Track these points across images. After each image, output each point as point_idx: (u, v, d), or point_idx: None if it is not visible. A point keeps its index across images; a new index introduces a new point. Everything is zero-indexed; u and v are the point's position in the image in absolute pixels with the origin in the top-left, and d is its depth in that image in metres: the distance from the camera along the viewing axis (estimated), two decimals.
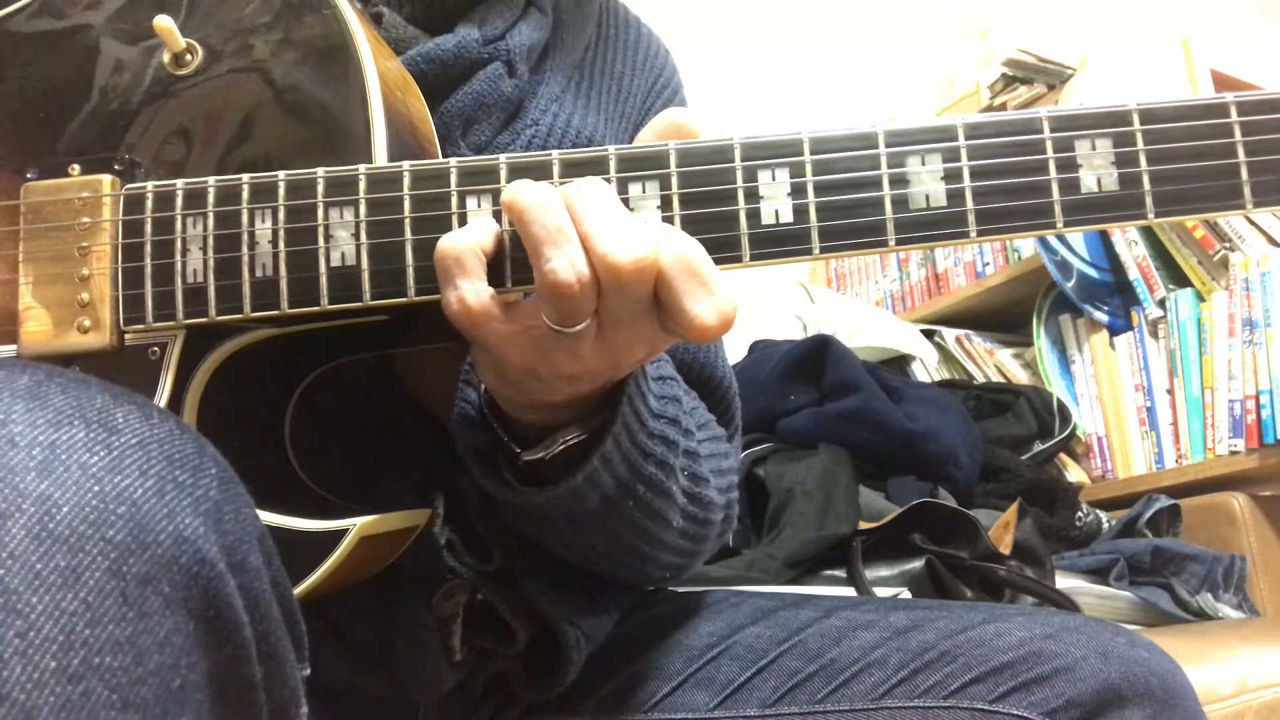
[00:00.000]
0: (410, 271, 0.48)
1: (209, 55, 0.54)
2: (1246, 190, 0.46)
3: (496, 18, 0.66)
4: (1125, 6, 2.24)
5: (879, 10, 2.41)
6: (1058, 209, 0.46)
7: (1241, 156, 0.46)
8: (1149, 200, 0.46)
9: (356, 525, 0.49)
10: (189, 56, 0.54)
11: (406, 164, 0.48)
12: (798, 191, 0.47)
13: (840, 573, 1.21)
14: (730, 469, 0.69)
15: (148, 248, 0.50)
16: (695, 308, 0.44)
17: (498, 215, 0.48)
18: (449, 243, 0.46)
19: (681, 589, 0.77)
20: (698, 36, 2.00)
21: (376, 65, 0.52)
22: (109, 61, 0.55)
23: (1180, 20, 2.12)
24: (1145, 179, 0.46)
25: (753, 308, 1.84)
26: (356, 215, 0.48)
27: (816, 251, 0.46)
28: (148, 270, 0.49)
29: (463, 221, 0.48)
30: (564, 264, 0.43)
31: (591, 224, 0.44)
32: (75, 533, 0.30)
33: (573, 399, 0.50)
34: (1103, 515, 1.60)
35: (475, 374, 0.55)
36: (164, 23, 0.53)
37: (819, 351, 1.51)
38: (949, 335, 2.01)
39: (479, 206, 0.48)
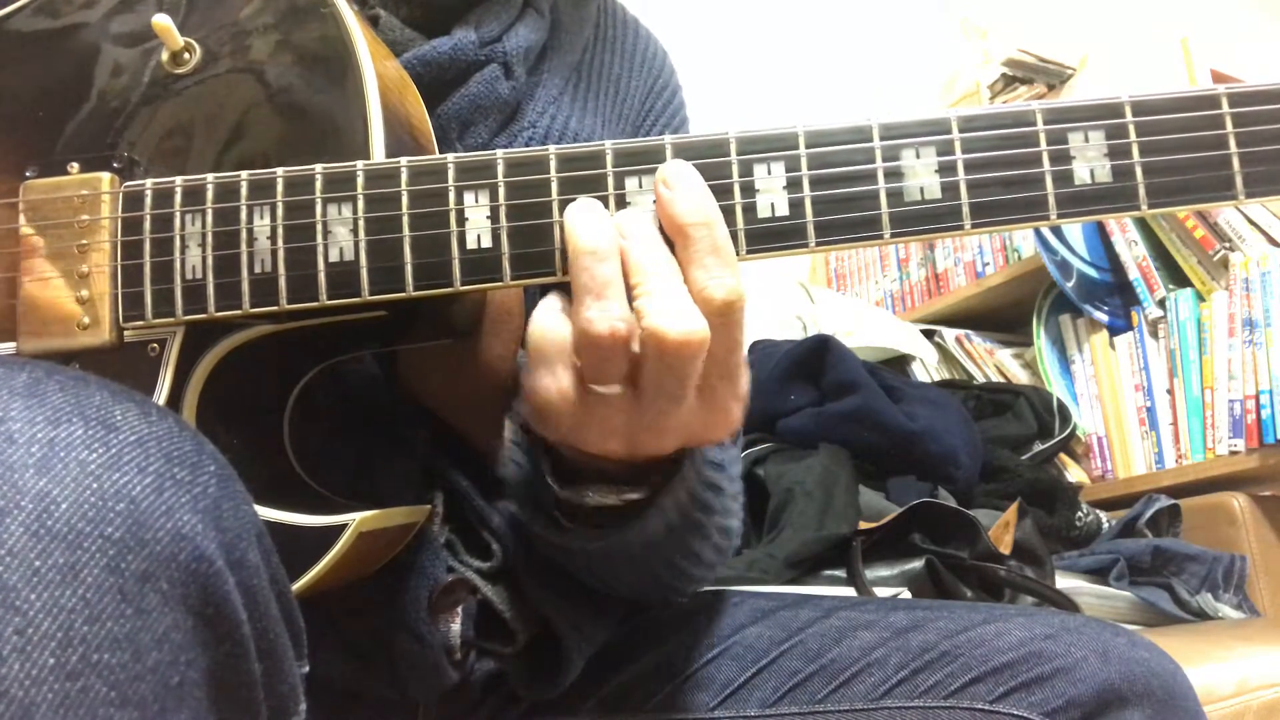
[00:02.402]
0: (409, 267, 0.48)
1: (207, 54, 0.54)
2: (1238, 181, 0.46)
3: (493, 20, 0.66)
4: (1125, 6, 2.24)
5: (879, 10, 2.41)
6: (1051, 201, 0.46)
7: (1233, 147, 0.46)
8: (1142, 191, 0.46)
9: (355, 520, 0.49)
10: (187, 55, 0.54)
11: (404, 160, 0.48)
12: (793, 185, 0.47)
13: (840, 573, 1.21)
14: (739, 477, 0.69)
15: (147, 245, 0.50)
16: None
17: (495, 211, 0.48)
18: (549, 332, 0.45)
19: None
20: (697, 35, 2.00)
21: (375, 65, 0.52)
22: (108, 60, 0.55)
23: (1180, 20, 2.12)
24: (1138, 170, 0.46)
25: (753, 308, 1.83)
26: (355, 211, 0.48)
27: (812, 244, 0.46)
28: (147, 267, 0.49)
29: (461, 217, 0.48)
30: (600, 316, 0.43)
31: (646, 286, 0.43)
32: (74, 530, 0.30)
33: (607, 458, 0.50)
34: (1103, 515, 1.60)
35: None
36: (162, 21, 0.53)
37: (819, 351, 1.51)
38: (949, 335, 2.01)
39: (476, 202, 0.48)
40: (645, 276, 0.44)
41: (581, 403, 0.45)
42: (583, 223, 0.45)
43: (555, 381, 0.45)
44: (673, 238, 0.45)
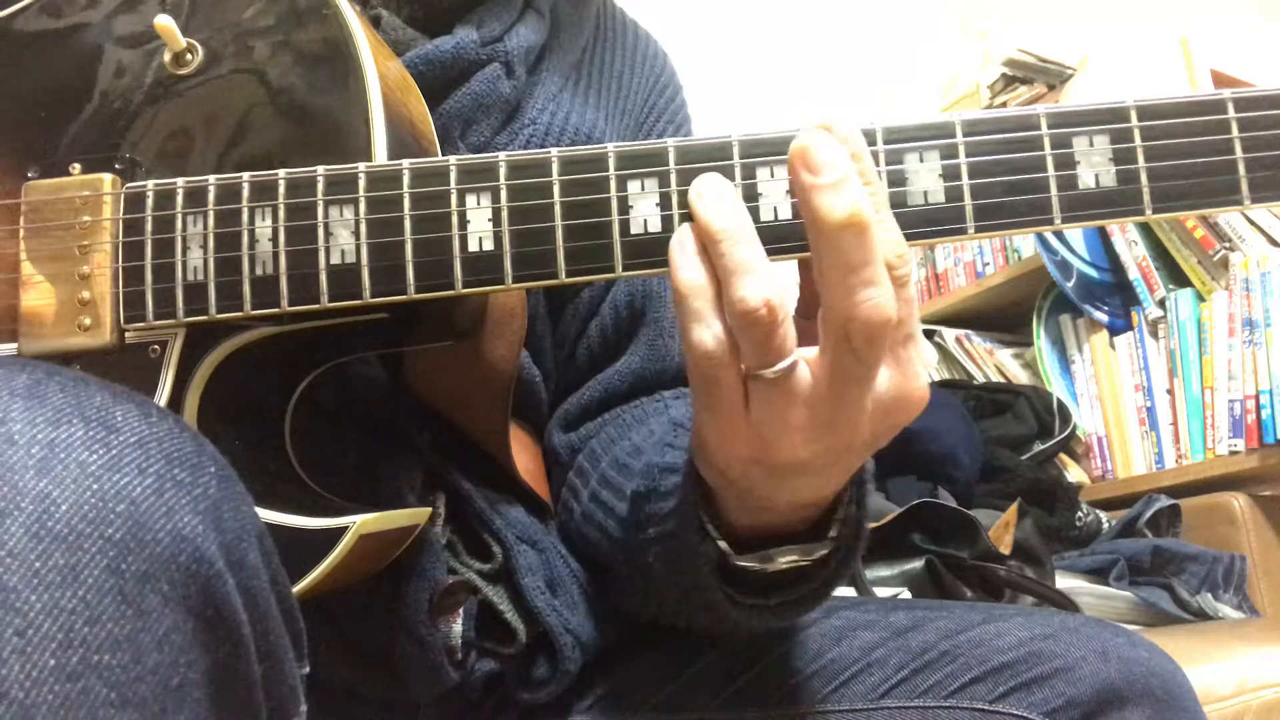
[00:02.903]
0: (410, 269, 0.48)
1: (209, 55, 0.54)
2: (1244, 186, 0.46)
3: (495, 19, 0.66)
4: (1125, 6, 2.24)
5: (879, 10, 2.41)
6: (1055, 205, 0.46)
7: (1239, 153, 0.46)
8: (1147, 196, 0.46)
9: (356, 523, 0.49)
10: (189, 56, 0.54)
11: (406, 162, 0.48)
12: None
13: None
14: None
15: (148, 246, 0.50)
16: None
17: (497, 214, 0.48)
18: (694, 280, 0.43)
19: None
20: (698, 37, 2.00)
21: (377, 66, 0.52)
22: (110, 61, 0.55)
23: (1180, 20, 2.12)
24: (1143, 175, 0.46)
25: None
26: (356, 213, 0.48)
27: None
28: (148, 268, 0.49)
29: (462, 219, 0.48)
30: (753, 292, 0.40)
31: (857, 277, 0.40)
32: (74, 531, 0.30)
33: (794, 506, 0.48)
34: (1103, 515, 1.60)
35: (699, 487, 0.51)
36: (164, 23, 0.53)
37: None
38: (949, 335, 2.01)
39: (478, 204, 0.48)
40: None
41: (757, 397, 0.43)
42: (713, 206, 0.43)
43: (710, 331, 0.42)
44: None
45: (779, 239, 0.46)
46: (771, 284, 0.41)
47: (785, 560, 0.50)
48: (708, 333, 0.42)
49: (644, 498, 0.55)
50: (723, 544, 0.51)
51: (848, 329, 0.41)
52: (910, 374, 0.43)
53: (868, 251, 0.40)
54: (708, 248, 0.43)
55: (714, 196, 0.44)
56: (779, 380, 0.42)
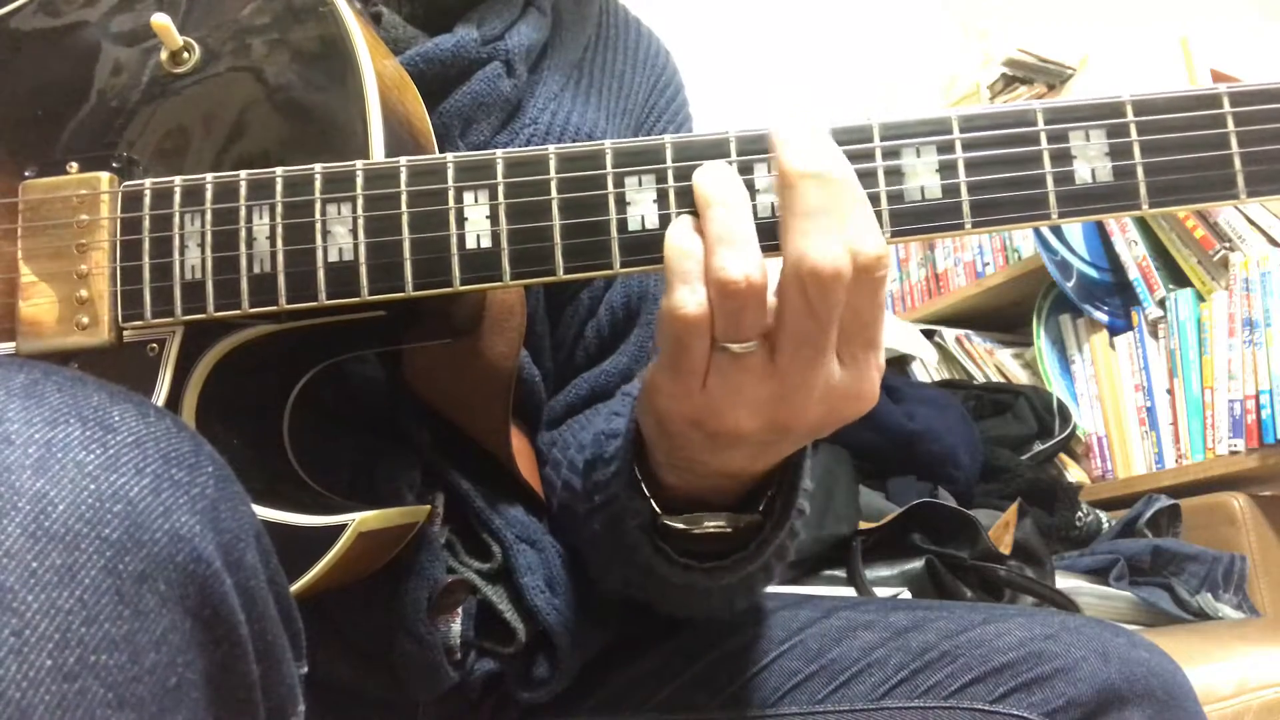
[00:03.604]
0: (408, 267, 0.48)
1: (206, 53, 0.54)
2: (1240, 180, 0.46)
3: (495, 18, 0.66)
4: (1125, 6, 2.24)
5: (879, 10, 2.41)
6: (1052, 200, 0.46)
7: (1234, 147, 0.46)
8: (1143, 191, 0.46)
9: (355, 521, 0.49)
10: (186, 55, 0.54)
11: (403, 160, 0.48)
12: None
13: (840, 573, 1.21)
14: None
15: (146, 244, 0.50)
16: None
17: (494, 211, 0.47)
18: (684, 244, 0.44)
19: None
20: (698, 34, 2.00)
21: (374, 64, 0.52)
22: (107, 60, 0.55)
23: (1180, 20, 2.12)
24: (1139, 170, 0.46)
25: None
26: (354, 211, 0.48)
27: None
28: (146, 267, 0.49)
29: (460, 217, 0.48)
30: (734, 262, 0.42)
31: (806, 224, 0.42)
32: (71, 531, 0.30)
33: (722, 473, 0.49)
34: (1103, 515, 1.60)
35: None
36: (161, 21, 0.53)
37: None
38: (949, 335, 2.01)
39: (476, 202, 0.48)
40: (806, 215, 0.42)
41: (717, 368, 0.44)
42: (712, 176, 0.45)
43: (694, 296, 0.43)
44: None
45: (773, 235, 0.46)
46: (755, 261, 0.42)
47: (712, 524, 0.52)
48: (691, 297, 0.43)
49: (591, 466, 0.56)
50: (652, 502, 0.52)
51: (801, 275, 0.42)
52: (863, 374, 0.45)
53: (829, 201, 0.42)
54: (701, 214, 0.44)
55: (715, 168, 0.45)
56: (742, 356, 0.43)
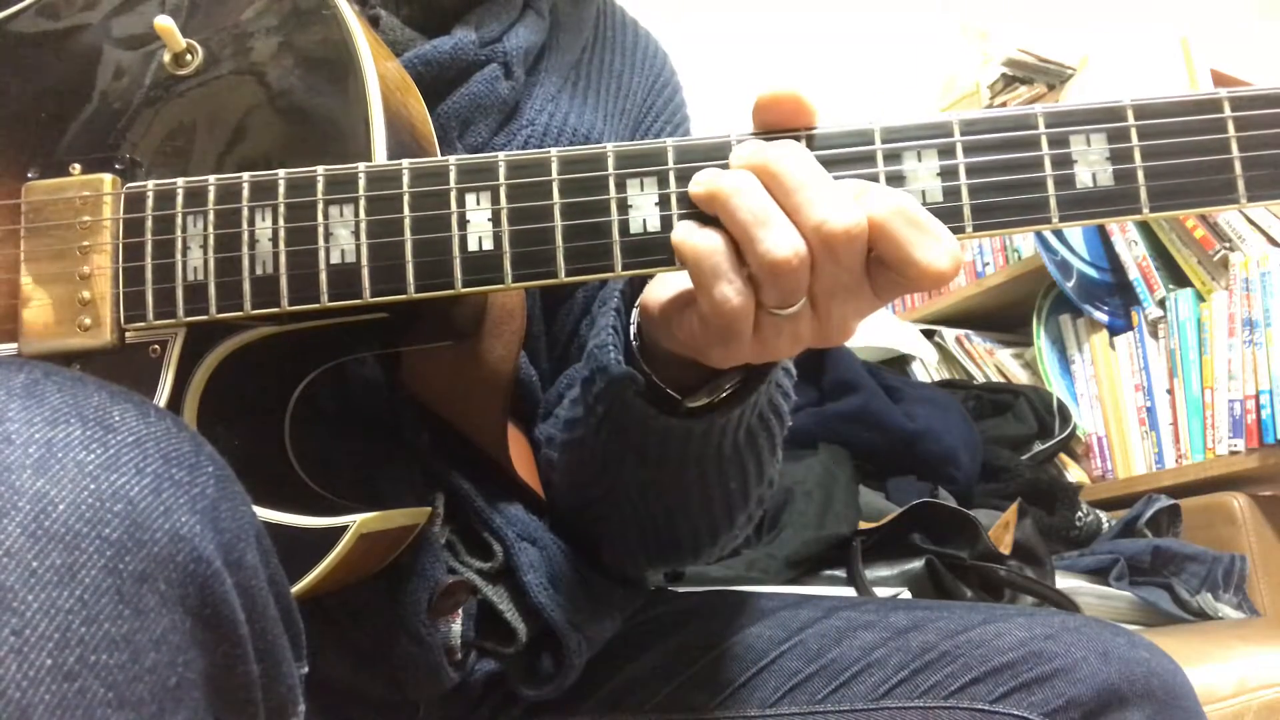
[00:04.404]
0: (410, 268, 0.48)
1: (209, 56, 0.54)
2: (1240, 185, 0.46)
3: (494, 20, 0.66)
4: (1125, 6, 2.24)
5: (879, 10, 2.41)
6: (1053, 204, 0.46)
7: (1235, 151, 0.46)
8: (1144, 195, 0.46)
9: (356, 522, 0.49)
10: (189, 57, 0.54)
11: (406, 162, 0.48)
12: None
13: (840, 573, 1.21)
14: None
15: (148, 246, 0.50)
16: (926, 255, 0.43)
17: (496, 214, 0.48)
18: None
19: (681, 589, 0.77)
20: (698, 36, 2.00)
21: (376, 66, 0.52)
22: (110, 62, 0.55)
23: (1180, 20, 2.12)
24: (1140, 174, 0.46)
25: None
26: (356, 213, 0.48)
27: None
28: (148, 268, 0.49)
29: (462, 219, 0.48)
30: (779, 241, 0.43)
31: (799, 196, 0.44)
32: (71, 530, 0.30)
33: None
34: (1103, 515, 1.60)
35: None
36: (164, 23, 0.53)
37: (818, 352, 1.51)
38: (949, 335, 2.01)
39: (478, 204, 0.48)
40: (792, 187, 0.44)
41: (766, 324, 0.45)
42: (710, 174, 0.45)
43: (735, 288, 0.44)
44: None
45: None
46: (794, 234, 0.43)
47: (697, 404, 0.53)
48: (730, 288, 0.44)
49: (589, 381, 0.57)
50: (646, 368, 0.53)
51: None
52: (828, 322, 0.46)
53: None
54: (721, 208, 0.44)
55: (709, 172, 0.46)
56: (793, 315, 0.45)
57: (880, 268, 0.45)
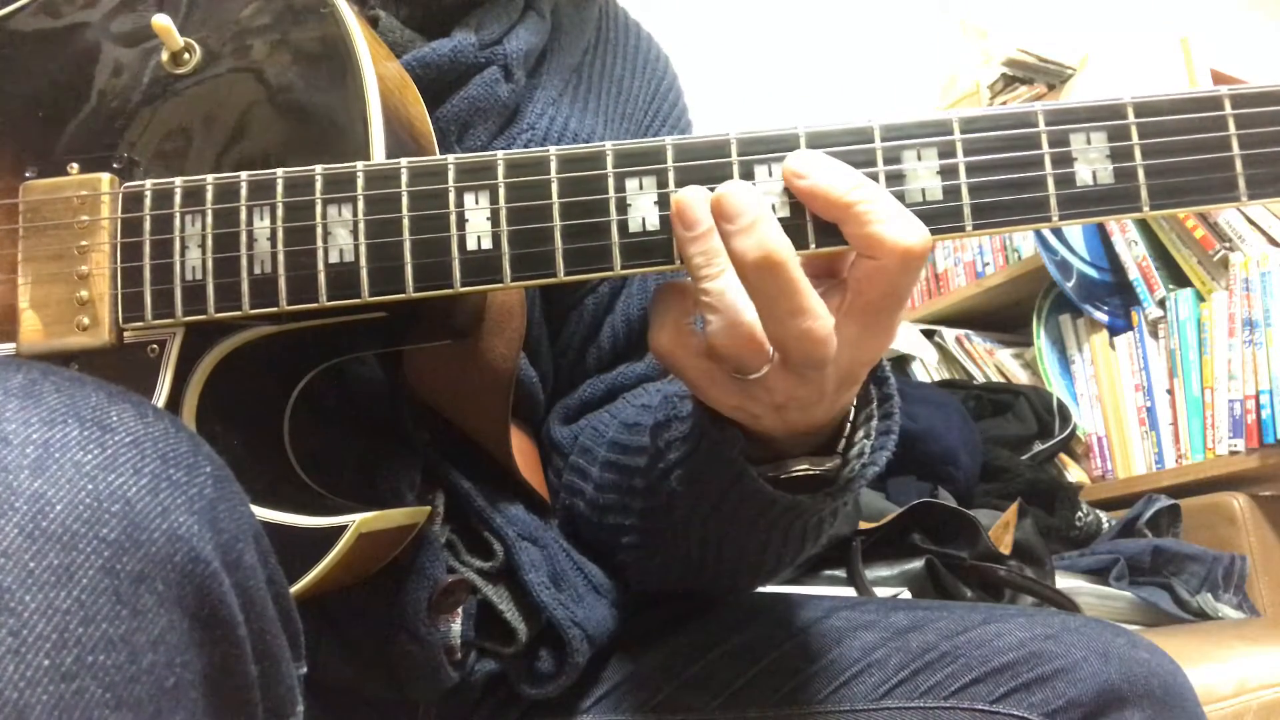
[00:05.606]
0: (409, 268, 0.48)
1: (207, 55, 0.54)
2: (1241, 183, 0.46)
3: (494, 22, 0.65)
4: (1125, 6, 2.24)
5: (879, 10, 2.41)
6: (1053, 202, 0.46)
7: (1236, 149, 0.46)
8: (1144, 193, 0.46)
9: (355, 522, 0.49)
10: (187, 56, 0.54)
11: (404, 161, 0.48)
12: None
13: (840, 573, 1.21)
14: None
15: (146, 246, 0.50)
16: (880, 230, 0.44)
17: (495, 213, 0.47)
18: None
19: None
20: (698, 35, 2.00)
21: (375, 65, 0.52)
22: (108, 61, 0.55)
23: (1180, 20, 2.12)
24: (1140, 172, 0.46)
25: None
26: (355, 213, 0.48)
27: (813, 247, 0.46)
28: (146, 268, 0.49)
29: (461, 218, 0.48)
30: (816, 324, 0.44)
31: (864, 207, 0.44)
32: (69, 531, 0.30)
33: (791, 434, 0.50)
34: (1103, 515, 1.60)
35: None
36: (162, 22, 0.53)
37: None
38: (949, 335, 2.01)
39: (477, 203, 0.48)
40: (860, 196, 0.44)
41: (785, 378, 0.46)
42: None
43: (822, 319, 0.44)
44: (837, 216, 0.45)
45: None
46: (826, 314, 0.44)
47: (798, 468, 0.52)
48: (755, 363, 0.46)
49: (663, 426, 0.57)
50: (741, 440, 0.52)
51: (786, 352, 0.45)
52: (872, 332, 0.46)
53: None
54: (759, 278, 0.44)
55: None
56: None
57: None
